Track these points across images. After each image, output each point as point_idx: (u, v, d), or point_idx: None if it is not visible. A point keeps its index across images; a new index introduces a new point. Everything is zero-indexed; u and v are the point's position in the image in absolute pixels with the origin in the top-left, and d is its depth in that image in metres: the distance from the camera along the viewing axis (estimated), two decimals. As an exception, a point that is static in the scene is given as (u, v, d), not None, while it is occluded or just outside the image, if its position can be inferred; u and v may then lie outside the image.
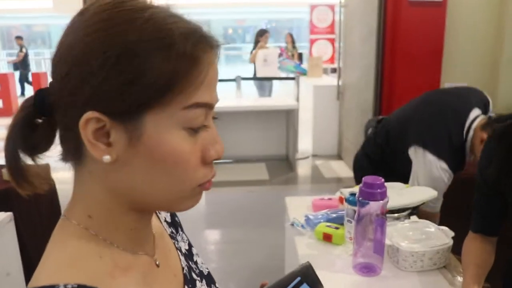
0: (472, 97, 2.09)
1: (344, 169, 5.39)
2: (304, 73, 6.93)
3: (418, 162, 2.00)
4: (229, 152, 5.49)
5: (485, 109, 2.07)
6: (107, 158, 0.55)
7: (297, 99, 5.60)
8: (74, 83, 0.54)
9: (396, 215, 1.64)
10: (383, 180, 1.35)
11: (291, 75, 6.91)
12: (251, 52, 7.48)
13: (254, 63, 7.15)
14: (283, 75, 7.56)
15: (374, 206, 1.35)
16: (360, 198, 1.36)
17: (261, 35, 7.50)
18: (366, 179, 1.36)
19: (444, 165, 1.95)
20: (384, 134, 2.29)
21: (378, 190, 1.34)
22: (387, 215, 1.62)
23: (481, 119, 1.95)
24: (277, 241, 2.48)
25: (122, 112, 0.54)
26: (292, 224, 1.73)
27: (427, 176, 1.97)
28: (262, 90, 7.48)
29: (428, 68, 4.37)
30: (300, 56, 9.61)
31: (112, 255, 0.60)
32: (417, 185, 1.98)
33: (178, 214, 0.85)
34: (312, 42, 10.04)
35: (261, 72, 6.95)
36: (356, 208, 1.42)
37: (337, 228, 1.62)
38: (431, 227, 1.51)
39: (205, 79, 0.57)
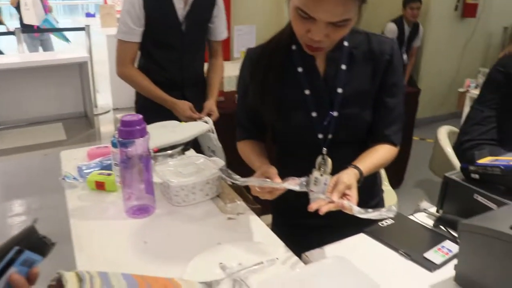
0: None
1: (147, 120, 5.27)
2: (52, 27, 6.47)
3: None
4: (19, 116, 4.93)
5: None
6: None
7: (89, 51, 5.23)
8: None
9: (169, 152, 1.61)
10: (141, 116, 1.29)
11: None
12: None
13: (19, 8, 6.41)
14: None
15: (136, 145, 1.29)
16: (120, 139, 1.28)
17: None
18: (124, 117, 1.28)
19: None
20: None
21: (137, 127, 1.27)
22: (160, 153, 1.59)
23: None
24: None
25: None
26: (63, 178, 1.58)
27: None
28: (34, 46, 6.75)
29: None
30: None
31: None
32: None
33: None
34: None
35: (28, 18, 6.27)
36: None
37: (109, 174, 1.53)
38: (202, 159, 1.52)
39: None
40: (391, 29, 5.04)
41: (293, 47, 1.29)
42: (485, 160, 1.30)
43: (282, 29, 1.32)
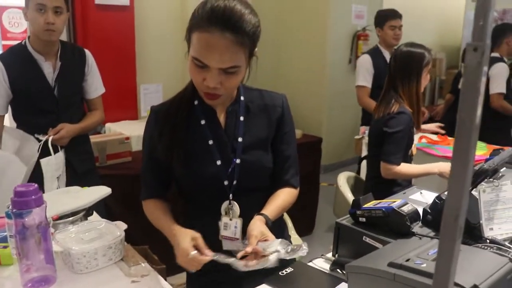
0: None
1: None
2: None
3: None
4: None
5: None
6: None
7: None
8: None
9: (71, 219, 1.58)
10: (36, 185, 1.27)
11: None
12: None
13: None
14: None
15: (32, 215, 1.26)
16: (14, 210, 1.25)
17: None
18: (18, 188, 1.26)
19: None
20: None
21: (33, 197, 1.25)
22: (61, 220, 1.56)
23: None
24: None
25: None
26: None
27: None
28: None
29: (123, 70, 4.44)
30: None
31: None
32: None
33: None
34: (5, 48, 9.13)
35: None
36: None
37: (5, 247, 1.47)
38: (103, 224, 1.51)
39: None
40: (362, 61, 3.97)
41: (196, 102, 1.41)
42: (370, 204, 1.42)
43: (185, 87, 1.45)
